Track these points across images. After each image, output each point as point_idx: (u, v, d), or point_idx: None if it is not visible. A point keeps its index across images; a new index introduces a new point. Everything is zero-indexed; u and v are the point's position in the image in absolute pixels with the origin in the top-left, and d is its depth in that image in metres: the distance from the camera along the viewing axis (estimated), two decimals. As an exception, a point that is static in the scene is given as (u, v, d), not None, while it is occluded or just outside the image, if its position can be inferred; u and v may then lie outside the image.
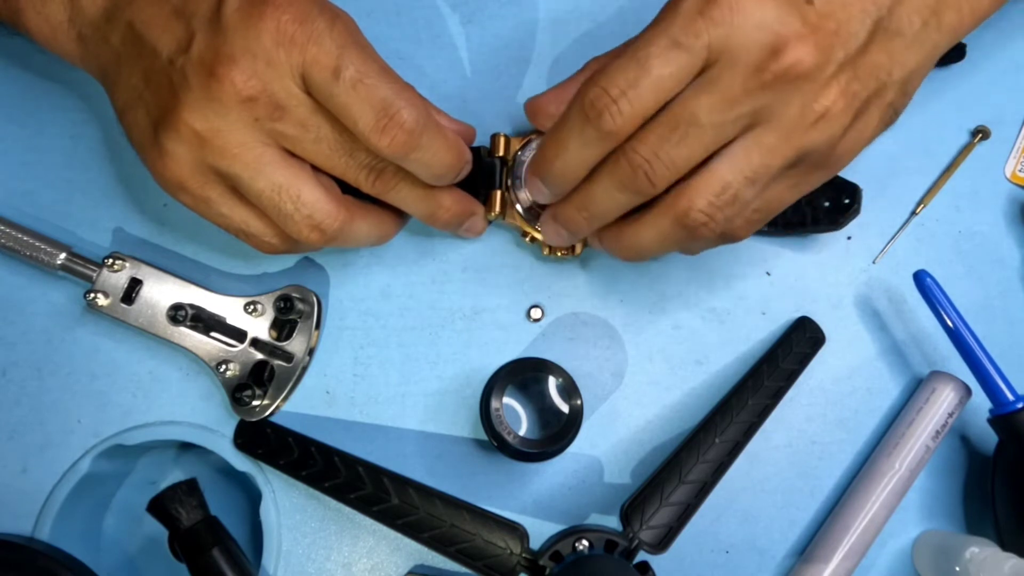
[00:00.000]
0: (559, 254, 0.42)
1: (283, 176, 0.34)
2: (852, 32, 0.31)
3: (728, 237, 0.35)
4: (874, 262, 0.46)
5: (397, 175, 0.36)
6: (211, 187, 0.35)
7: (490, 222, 0.42)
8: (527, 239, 0.42)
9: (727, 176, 0.32)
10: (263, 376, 0.42)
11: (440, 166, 0.35)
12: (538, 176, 0.36)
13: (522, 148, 0.41)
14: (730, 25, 0.30)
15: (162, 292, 0.41)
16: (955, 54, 0.46)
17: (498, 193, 0.41)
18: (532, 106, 0.39)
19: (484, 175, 0.41)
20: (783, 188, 0.34)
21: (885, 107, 0.33)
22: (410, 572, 0.41)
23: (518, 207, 0.41)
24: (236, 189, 0.35)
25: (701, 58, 0.30)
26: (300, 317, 0.42)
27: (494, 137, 0.41)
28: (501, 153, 0.41)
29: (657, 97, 0.31)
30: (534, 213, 0.41)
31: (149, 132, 0.35)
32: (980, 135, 0.47)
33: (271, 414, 0.42)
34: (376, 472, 0.40)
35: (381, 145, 0.33)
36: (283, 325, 0.42)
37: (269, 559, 0.41)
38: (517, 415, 0.43)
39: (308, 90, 0.33)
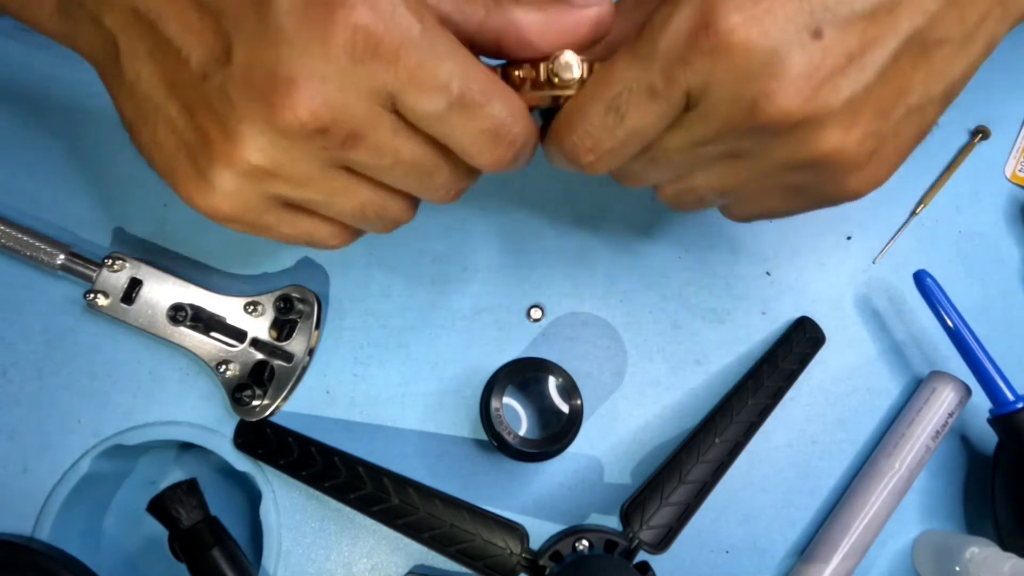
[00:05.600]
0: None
1: (364, 196, 0.31)
2: (871, 60, 0.26)
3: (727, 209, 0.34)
4: (874, 262, 0.46)
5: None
6: (271, 213, 0.31)
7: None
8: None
9: (701, 183, 0.31)
10: (263, 376, 0.42)
11: (521, 166, 0.32)
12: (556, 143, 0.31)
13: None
14: (711, 75, 0.26)
15: (162, 292, 0.41)
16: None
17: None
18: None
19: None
20: (775, 200, 0.32)
21: (924, 126, 0.29)
22: (410, 572, 0.41)
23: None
24: (298, 204, 0.31)
25: (679, 106, 0.27)
26: (300, 317, 0.42)
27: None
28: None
29: (635, 143, 0.29)
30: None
31: (184, 160, 0.29)
32: (980, 135, 0.47)
33: (271, 414, 0.42)
34: (376, 472, 0.40)
35: (482, 162, 0.29)
36: (283, 325, 0.42)
37: (269, 559, 0.41)
38: (517, 415, 0.43)
39: (394, 109, 0.27)
